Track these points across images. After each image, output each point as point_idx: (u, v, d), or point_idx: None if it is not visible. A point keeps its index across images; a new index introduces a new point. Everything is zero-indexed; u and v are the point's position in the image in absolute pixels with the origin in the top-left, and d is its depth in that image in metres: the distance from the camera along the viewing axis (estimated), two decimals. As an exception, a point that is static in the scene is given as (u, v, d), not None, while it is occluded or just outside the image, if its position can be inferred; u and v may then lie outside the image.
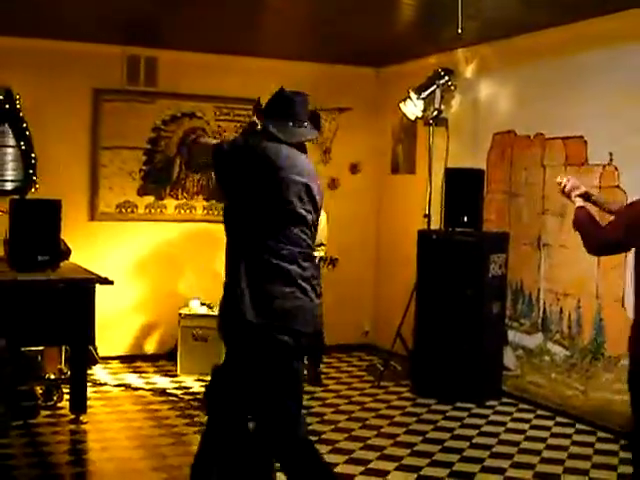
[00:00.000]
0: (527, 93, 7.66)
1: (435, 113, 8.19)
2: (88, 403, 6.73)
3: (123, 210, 8.84)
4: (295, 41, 8.42)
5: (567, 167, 7.16)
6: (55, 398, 6.95)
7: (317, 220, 4.30)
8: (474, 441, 6.48)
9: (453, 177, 7.89)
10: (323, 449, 6.05)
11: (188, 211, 9.07)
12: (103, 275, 6.49)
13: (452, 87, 8.29)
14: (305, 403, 7.30)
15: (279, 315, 4.04)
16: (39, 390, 6.95)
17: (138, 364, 8.65)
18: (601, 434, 6.62)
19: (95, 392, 7.46)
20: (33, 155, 8.35)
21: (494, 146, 8.07)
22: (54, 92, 8.40)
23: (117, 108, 8.73)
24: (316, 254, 8.00)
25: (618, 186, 6.63)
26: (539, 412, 7.27)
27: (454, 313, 7.62)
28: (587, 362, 6.93)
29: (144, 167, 8.89)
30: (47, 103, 8.35)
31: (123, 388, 7.77)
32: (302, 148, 4.32)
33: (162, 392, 7.57)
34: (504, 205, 7.95)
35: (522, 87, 7.74)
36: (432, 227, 8.11)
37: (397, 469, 5.78)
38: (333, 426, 6.72)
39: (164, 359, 8.78)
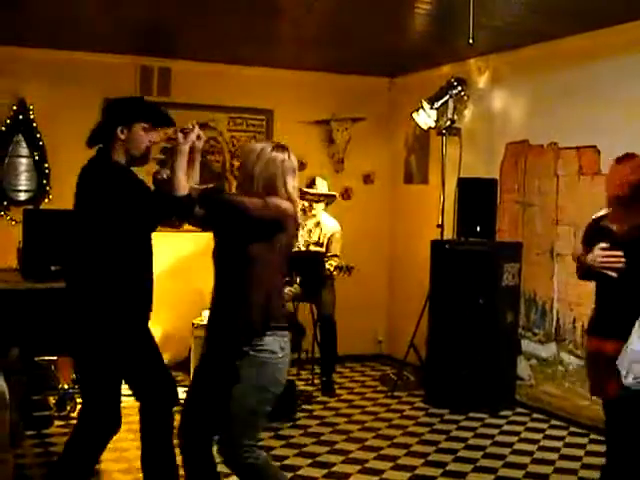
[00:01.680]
0: (540, 103, 7.66)
1: (448, 123, 8.17)
2: (101, 413, 6.73)
3: (136, 220, 8.83)
4: (309, 51, 8.42)
5: (580, 177, 7.15)
6: (68, 408, 6.95)
7: None
8: (487, 451, 6.46)
9: (466, 187, 7.88)
10: (337, 459, 6.06)
11: (201, 221, 9.05)
12: (116, 285, 6.48)
13: (465, 97, 8.29)
14: (318, 413, 7.35)
15: None
16: (52, 400, 6.96)
17: (151, 374, 8.62)
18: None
19: (108, 402, 7.45)
20: (46, 165, 8.38)
21: (507, 156, 8.05)
22: (67, 102, 8.41)
23: (130, 118, 8.74)
24: (328, 266, 8.05)
25: (631, 196, 6.60)
26: (553, 422, 7.24)
27: (467, 323, 7.60)
28: (601, 372, 6.89)
29: (157, 177, 8.89)
30: (60, 113, 8.36)
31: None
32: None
33: (175, 402, 7.56)
34: (517, 215, 7.93)
35: (535, 97, 7.74)
36: (445, 237, 8.07)
37: (410, 479, 5.77)
38: (346, 436, 6.71)
39: (177, 369, 8.76)
